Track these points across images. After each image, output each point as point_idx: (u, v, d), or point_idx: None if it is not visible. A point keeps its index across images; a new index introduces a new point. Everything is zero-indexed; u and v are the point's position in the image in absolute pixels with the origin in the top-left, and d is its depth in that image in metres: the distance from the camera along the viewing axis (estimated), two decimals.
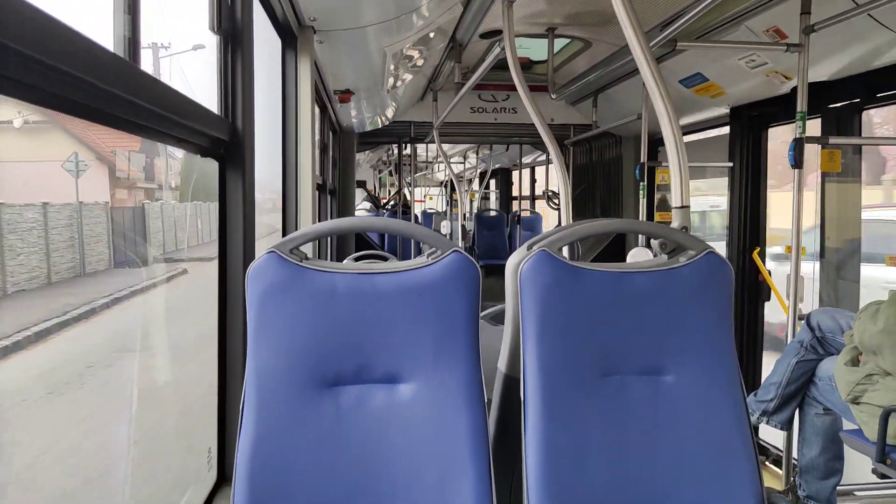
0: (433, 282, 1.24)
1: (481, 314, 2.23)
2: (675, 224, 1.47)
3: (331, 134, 4.31)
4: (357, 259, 4.05)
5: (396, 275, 1.25)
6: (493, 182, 10.57)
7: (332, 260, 4.61)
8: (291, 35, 2.34)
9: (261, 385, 1.19)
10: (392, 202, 9.10)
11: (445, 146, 9.12)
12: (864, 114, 3.04)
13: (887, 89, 2.74)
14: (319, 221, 3.87)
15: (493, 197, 10.79)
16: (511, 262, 1.38)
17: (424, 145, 4.70)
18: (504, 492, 1.42)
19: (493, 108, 5.08)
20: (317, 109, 3.58)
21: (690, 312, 1.32)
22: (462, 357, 1.24)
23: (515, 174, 9.23)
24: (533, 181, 8.49)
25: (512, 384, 1.36)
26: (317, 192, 3.73)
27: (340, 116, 4.41)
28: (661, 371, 1.31)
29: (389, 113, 4.78)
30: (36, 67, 0.72)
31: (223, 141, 1.45)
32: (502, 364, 1.44)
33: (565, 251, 2.35)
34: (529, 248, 1.37)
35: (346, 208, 4.94)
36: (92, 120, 0.92)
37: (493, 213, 8.28)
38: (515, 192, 9.14)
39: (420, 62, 3.47)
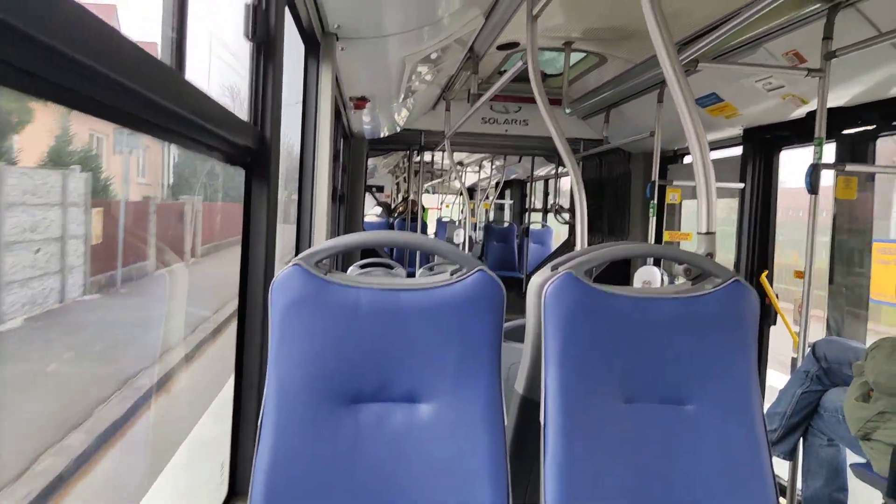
0: (457, 301, 1.23)
1: None
2: (700, 250, 1.46)
3: (342, 140, 4.30)
4: (363, 266, 4.04)
5: (421, 292, 1.24)
6: (507, 193, 10.58)
7: (336, 266, 4.61)
8: (315, 42, 2.33)
9: (281, 399, 1.18)
10: (400, 210, 9.08)
11: (460, 155, 9.13)
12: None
13: None
14: (329, 228, 3.87)
15: (507, 208, 10.81)
16: (534, 283, 1.37)
17: (441, 153, 4.68)
18: None
19: (504, 120, 5.08)
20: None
21: (714, 341, 1.31)
22: (484, 378, 1.23)
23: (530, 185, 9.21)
24: (546, 194, 8.48)
25: (530, 407, 1.34)
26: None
27: (353, 123, 4.41)
28: (682, 400, 1.30)
29: (401, 121, 4.78)
30: (101, 81, 0.71)
31: (251, 149, 1.44)
32: (520, 386, 1.43)
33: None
34: (554, 269, 1.35)
35: (354, 215, 4.93)
36: (136, 129, 0.92)
37: (503, 225, 8.26)
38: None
39: (437, 72, 3.47)
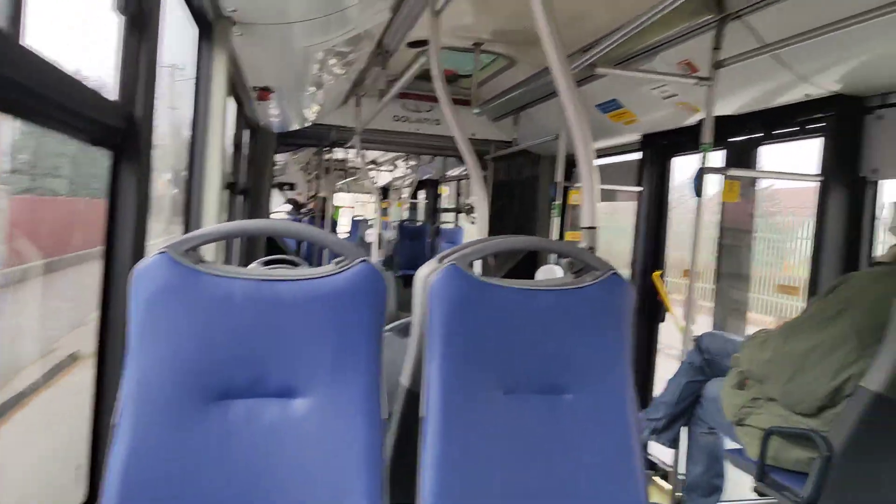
0: (337, 292, 1.20)
1: (390, 326, 2.20)
2: (583, 244, 1.50)
3: (248, 132, 4.15)
4: (266, 263, 3.91)
5: (299, 283, 1.19)
6: (421, 193, 10.59)
7: (240, 264, 4.45)
8: (208, 25, 2.22)
9: (139, 398, 1.10)
10: (310, 206, 8.90)
11: (375, 153, 9.04)
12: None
13: (783, 127, 2.92)
14: (222, 221, 3.71)
15: (420, 207, 10.81)
16: (420, 275, 1.36)
17: (356, 150, 4.61)
18: None
19: (416, 118, 5.06)
20: (233, 104, 3.43)
21: (592, 332, 1.35)
22: (362, 372, 1.20)
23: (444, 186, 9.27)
24: (458, 194, 8.55)
25: (413, 399, 1.33)
26: (227, 192, 3.57)
27: (259, 114, 4.27)
28: (560, 389, 1.33)
29: (311, 115, 4.67)
30: None
31: (118, 130, 1.34)
32: (405, 378, 1.42)
33: (478, 266, 2.36)
34: (440, 261, 1.35)
35: (259, 210, 4.77)
36: None
37: (416, 224, 8.26)
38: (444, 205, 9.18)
39: (345, 66, 3.40)
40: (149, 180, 1.42)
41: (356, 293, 1.20)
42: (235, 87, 3.18)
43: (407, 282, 7.13)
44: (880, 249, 2.40)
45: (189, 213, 2.16)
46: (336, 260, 1.25)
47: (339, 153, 7.27)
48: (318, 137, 5.23)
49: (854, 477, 1.65)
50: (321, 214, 6.34)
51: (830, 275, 2.59)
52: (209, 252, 2.27)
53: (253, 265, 3.98)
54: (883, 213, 1.87)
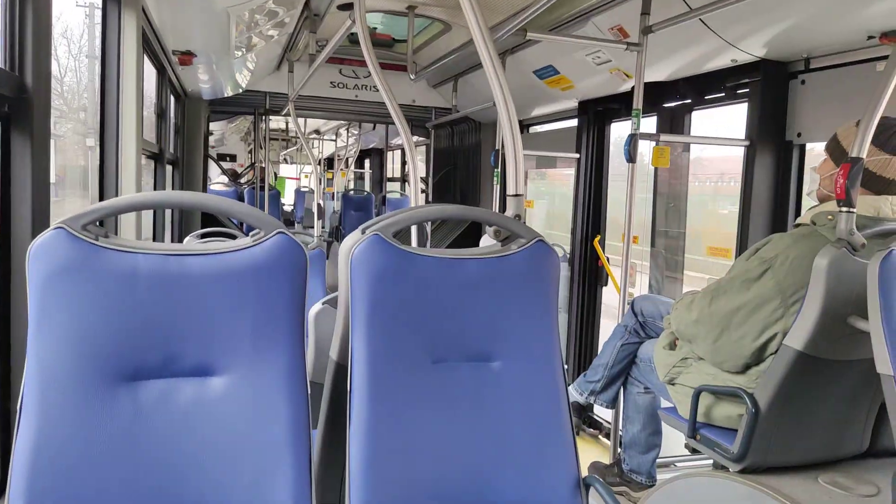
0: (254, 265, 1.15)
1: (326, 298, 2.14)
2: (509, 212, 1.48)
3: (173, 99, 3.95)
4: (201, 237, 3.76)
5: (211, 257, 1.14)
6: (367, 162, 10.43)
7: (173, 238, 4.29)
8: None
9: (44, 382, 1.04)
10: (247, 177, 8.64)
11: (317, 122, 8.79)
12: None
13: (714, 92, 2.97)
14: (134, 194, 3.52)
15: (367, 176, 10.68)
16: (344, 246, 1.32)
17: (292, 118, 4.48)
18: (335, 485, 1.37)
19: (353, 85, 4.94)
20: (153, 71, 3.25)
21: (518, 299, 1.35)
22: (284, 347, 1.16)
23: (391, 154, 9.15)
24: (403, 163, 8.46)
25: (341, 372, 1.31)
26: (152, 163, 3.41)
27: (185, 81, 4.07)
28: (488, 357, 1.33)
29: (243, 81, 4.49)
30: None
31: (6, 98, 1.23)
32: (333, 352, 1.38)
33: (414, 239, 2.32)
34: (363, 231, 1.31)
35: (192, 181, 4.59)
36: None
37: (362, 194, 8.15)
38: (390, 174, 9.07)
39: (272, 30, 3.26)
40: (47, 153, 1.31)
41: (273, 266, 1.16)
42: (156, 53, 3.00)
43: None
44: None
45: (103, 183, 2.03)
46: (252, 232, 1.20)
47: (280, 122, 7.07)
48: (252, 104, 5.07)
49: (780, 431, 1.72)
50: (260, 185, 6.14)
51: (758, 237, 2.67)
52: (132, 227, 2.16)
53: (188, 239, 3.84)
54: (805, 178, 1.92)
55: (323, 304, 2.03)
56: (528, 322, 1.34)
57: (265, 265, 1.15)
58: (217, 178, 8.47)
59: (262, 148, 5.69)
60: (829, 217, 1.69)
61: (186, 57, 3.06)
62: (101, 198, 2.05)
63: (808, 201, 2.47)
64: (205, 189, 5.26)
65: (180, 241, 4.18)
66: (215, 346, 1.13)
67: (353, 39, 3.99)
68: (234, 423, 1.13)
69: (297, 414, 1.15)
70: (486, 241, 3.66)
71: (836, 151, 1.82)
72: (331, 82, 4.87)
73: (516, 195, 1.46)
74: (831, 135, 1.86)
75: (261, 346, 1.15)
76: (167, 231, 4.00)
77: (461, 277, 1.31)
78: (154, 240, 3.63)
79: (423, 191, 7.15)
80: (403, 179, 8.12)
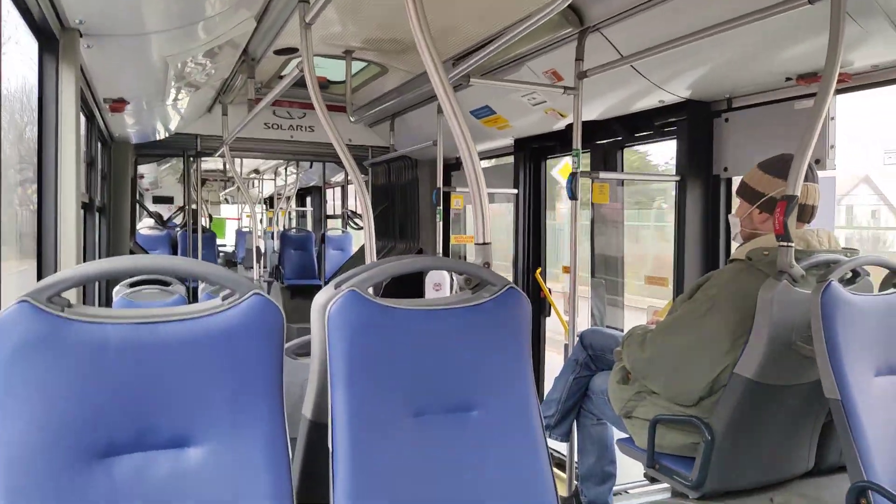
0: (229, 329, 1.12)
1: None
2: (477, 260, 1.50)
3: (99, 145, 3.79)
4: (132, 285, 3.58)
5: (183, 322, 1.10)
6: (308, 200, 10.31)
7: (105, 286, 4.07)
8: (52, 38, 1.99)
9: (11, 465, 0.97)
10: (178, 220, 8.35)
11: (257, 162, 8.61)
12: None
13: (644, 130, 3.12)
14: (86, 243, 3.36)
15: (309, 215, 10.56)
16: (318, 302, 1.30)
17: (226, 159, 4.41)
18: None
19: (289, 125, 4.91)
20: (82, 118, 3.12)
21: (493, 346, 1.36)
22: (264, 413, 1.13)
23: (330, 193, 9.07)
24: (344, 199, 8.39)
25: (319, 432, 1.28)
26: (82, 212, 3.25)
27: (112, 126, 3.92)
28: (468, 407, 1.33)
29: (172, 125, 4.37)
30: None
31: None
32: (307, 410, 1.35)
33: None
34: (337, 286, 1.30)
35: (119, 229, 4.40)
36: None
37: (301, 232, 8.03)
38: (329, 211, 8.98)
39: (207, 75, 3.20)
40: None
41: (250, 330, 1.13)
42: (86, 101, 2.89)
43: (294, 291, 6.91)
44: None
45: (42, 239, 1.92)
46: (223, 294, 1.16)
47: (218, 162, 6.92)
48: (182, 147, 4.95)
49: (735, 456, 1.80)
50: (193, 228, 5.94)
51: (693, 264, 2.80)
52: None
53: (119, 287, 3.65)
54: (730, 217, 2.06)
55: None
56: (505, 369, 1.36)
57: (241, 329, 1.12)
58: (143, 224, 8.14)
59: (195, 190, 5.55)
60: (765, 252, 1.79)
61: (119, 104, 2.96)
62: (40, 254, 1.94)
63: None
64: (132, 235, 5.05)
65: (108, 290, 3.98)
66: (191, 417, 1.09)
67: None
68: (213, 496, 1.08)
69: (278, 484, 1.12)
70: (435, 276, 3.65)
71: (747, 193, 1.97)
72: (265, 123, 4.82)
73: (485, 244, 1.48)
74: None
75: (239, 413, 1.11)
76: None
77: (438, 328, 1.32)
78: (84, 291, 3.44)
79: (360, 227, 7.13)
80: (345, 217, 8.04)
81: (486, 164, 4.58)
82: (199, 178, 5.48)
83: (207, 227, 8.79)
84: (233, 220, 12.79)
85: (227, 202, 13.36)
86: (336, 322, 1.22)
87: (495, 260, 1.55)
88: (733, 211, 2.06)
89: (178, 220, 8.06)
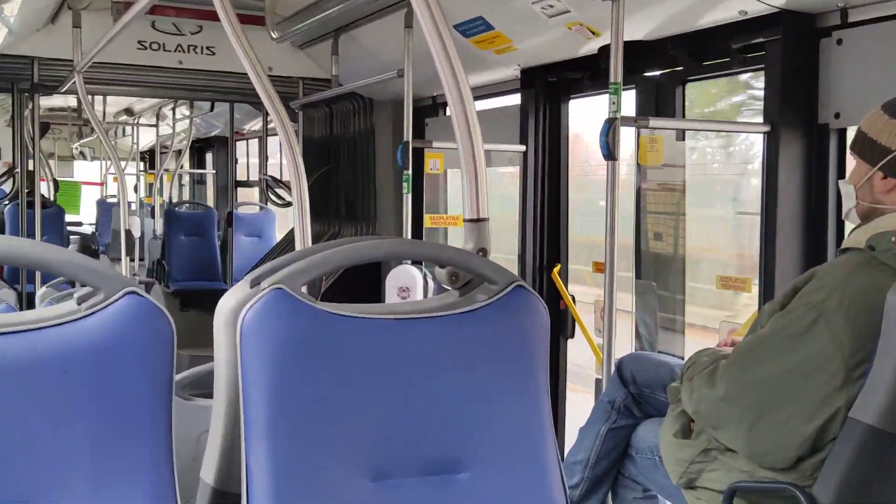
0: (89, 346, 1.14)
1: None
2: (468, 245, 1.49)
3: None
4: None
5: (20, 336, 1.11)
6: (209, 158, 10.34)
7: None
8: None
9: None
10: (6, 187, 8.28)
11: (130, 99, 8.57)
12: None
13: (717, 55, 3.12)
14: None
15: (210, 180, 10.57)
16: (225, 308, 1.31)
17: (79, 96, 4.39)
18: None
19: (176, 45, 4.92)
20: None
21: (493, 375, 1.37)
22: (144, 467, 1.16)
23: (242, 147, 9.06)
24: (262, 159, 8.37)
25: None
26: None
27: None
28: (453, 467, 1.33)
29: None
30: None
31: None
32: (208, 473, 1.36)
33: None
34: (254, 283, 1.30)
35: None
36: None
37: (198, 208, 8.01)
38: (242, 176, 8.98)
39: None
40: None
41: (122, 345, 1.15)
42: None
43: (185, 301, 6.89)
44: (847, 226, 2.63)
45: None
46: (80, 295, 1.17)
47: (71, 99, 6.92)
48: (11, 78, 5.00)
49: None
50: (30, 200, 5.86)
51: (788, 260, 2.81)
52: None
53: (44, 290, 3.68)
54: (842, 185, 2.06)
55: None
56: (510, 410, 1.36)
57: (109, 344, 1.14)
58: None
59: (32, 141, 5.53)
60: (894, 239, 1.81)
61: None
62: None
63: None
64: None
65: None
66: (41, 475, 1.10)
67: None
68: None
69: None
70: (400, 275, 3.67)
71: (867, 149, 1.98)
72: (140, 42, 4.82)
73: (478, 219, 1.46)
74: None
75: (105, 468, 1.13)
76: None
77: (410, 347, 1.32)
78: None
79: (285, 203, 7.12)
80: (264, 186, 8.01)
81: (477, 105, 4.58)
82: (38, 122, 5.45)
83: (52, 197, 8.78)
84: (93, 185, 12.73)
85: (85, 158, 13.29)
86: (253, 338, 1.23)
87: (493, 253, 1.55)
88: (847, 176, 2.07)
89: (7, 186, 7.94)
